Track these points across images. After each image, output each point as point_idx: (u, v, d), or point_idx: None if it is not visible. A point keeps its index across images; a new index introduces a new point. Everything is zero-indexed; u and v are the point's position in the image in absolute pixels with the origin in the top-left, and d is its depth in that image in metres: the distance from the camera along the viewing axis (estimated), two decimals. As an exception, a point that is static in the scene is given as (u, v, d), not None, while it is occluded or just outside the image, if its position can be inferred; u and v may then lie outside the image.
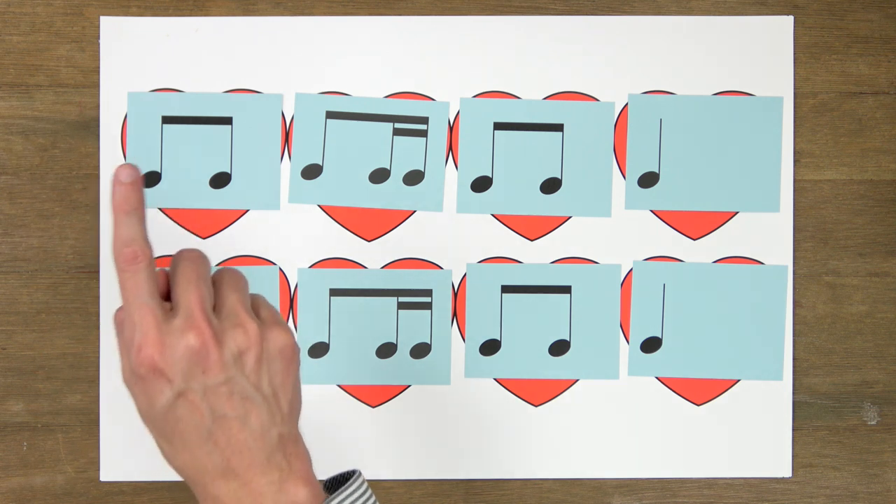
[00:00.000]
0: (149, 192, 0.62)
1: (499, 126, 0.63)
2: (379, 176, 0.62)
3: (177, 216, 0.62)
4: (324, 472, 0.63)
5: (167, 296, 0.47)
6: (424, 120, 0.62)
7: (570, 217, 0.63)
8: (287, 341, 0.47)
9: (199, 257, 0.47)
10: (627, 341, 0.63)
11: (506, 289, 0.63)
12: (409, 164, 0.62)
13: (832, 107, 0.63)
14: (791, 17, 0.63)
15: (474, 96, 0.63)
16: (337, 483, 0.49)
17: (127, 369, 0.46)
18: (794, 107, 0.63)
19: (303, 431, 0.63)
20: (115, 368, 0.62)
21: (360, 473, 0.48)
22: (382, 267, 0.62)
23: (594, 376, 0.63)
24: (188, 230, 0.62)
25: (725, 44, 0.63)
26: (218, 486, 0.45)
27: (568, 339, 0.63)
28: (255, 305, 0.47)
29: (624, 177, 0.63)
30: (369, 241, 0.62)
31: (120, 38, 0.62)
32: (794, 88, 0.63)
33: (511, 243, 0.63)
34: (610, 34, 0.63)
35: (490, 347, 0.63)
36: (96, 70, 0.62)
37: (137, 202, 0.47)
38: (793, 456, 0.63)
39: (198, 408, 0.45)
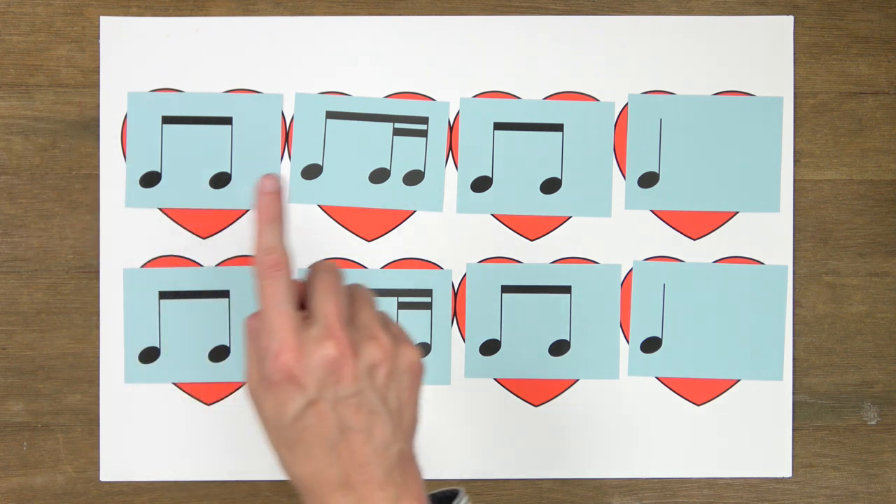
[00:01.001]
0: (149, 192, 0.62)
1: (499, 126, 0.63)
2: (379, 176, 0.62)
3: (177, 216, 0.62)
4: (324, 472, 0.63)
5: (302, 305, 0.46)
6: (424, 120, 0.62)
7: (570, 217, 0.63)
8: (416, 358, 0.47)
9: (335, 269, 0.47)
10: (627, 341, 0.63)
11: (506, 289, 0.63)
12: (409, 164, 0.62)
13: (832, 107, 0.63)
14: (791, 17, 0.63)
15: (474, 96, 0.63)
16: (439, 500, 0.50)
17: (255, 377, 0.46)
18: (794, 107, 0.63)
19: (303, 431, 0.63)
20: (115, 368, 0.62)
21: (464, 493, 0.49)
22: (382, 267, 0.63)
23: (594, 376, 0.63)
24: (188, 230, 0.62)
25: (725, 44, 0.63)
26: (335, 499, 0.45)
27: (568, 339, 0.63)
28: (384, 321, 0.47)
29: (624, 177, 0.63)
30: (369, 241, 0.63)
31: (120, 38, 0.62)
32: (794, 88, 0.63)
33: (511, 243, 0.63)
34: (610, 34, 0.63)
35: (490, 347, 0.63)
36: (96, 70, 0.62)
37: (279, 211, 0.46)
38: (793, 456, 0.63)
39: (326, 418, 0.45)
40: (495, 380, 0.63)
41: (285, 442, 0.46)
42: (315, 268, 0.47)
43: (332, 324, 0.45)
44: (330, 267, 0.47)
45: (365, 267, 0.62)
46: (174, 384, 0.62)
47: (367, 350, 0.45)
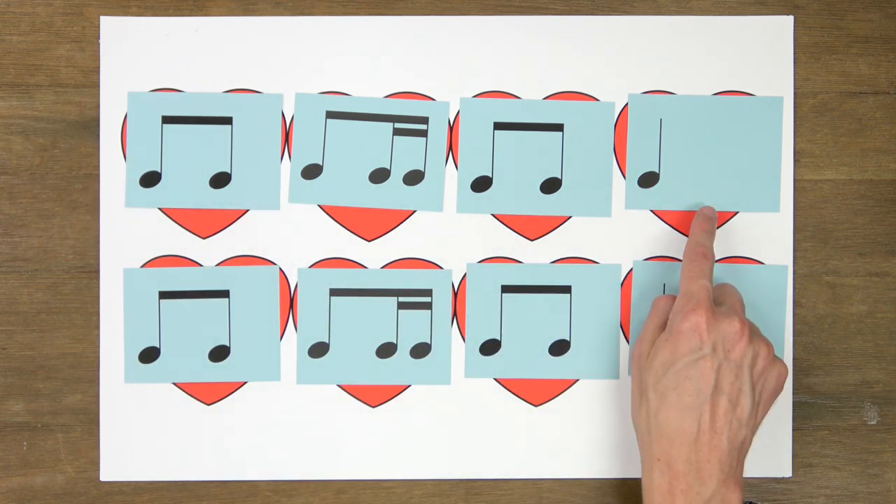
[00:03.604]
0: (149, 192, 0.62)
1: (499, 126, 0.63)
2: (379, 176, 0.62)
3: (177, 216, 0.62)
4: (320, 471, 0.63)
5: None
6: (424, 120, 0.62)
7: (570, 217, 0.63)
8: (785, 373, 0.56)
9: (739, 292, 0.59)
10: (627, 341, 0.63)
11: (506, 289, 0.63)
12: (409, 164, 0.62)
13: (832, 107, 0.63)
14: (791, 17, 0.63)
15: (474, 96, 0.63)
16: None
17: (648, 338, 0.57)
18: (794, 107, 0.63)
19: (302, 431, 0.63)
20: (115, 368, 0.62)
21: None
22: (382, 267, 0.63)
23: (594, 376, 0.63)
24: (188, 230, 0.62)
25: (725, 44, 0.63)
26: (680, 452, 0.53)
27: (568, 339, 0.63)
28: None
29: (624, 177, 0.63)
30: (369, 241, 0.63)
31: (120, 38, 0.62)
32: (794, 88, 0.63)
33: (511, 243, 0.63)
34: (610, 34, 0.63)
35: (490, 347, 0.63)
36: (96, 70, 0.62)
37: (712, 229, 0.60)
38: (793, 456, 0.63)
39: (708, 375, 0.53)
40: (495, 380, 0.63)
41: (662, 388, 0.54)
42: (722, 284, 0.60)
43: (738, 310, 0.56)
44: (735, 288, 0.59)
45: (365, 267, 0.62)
46: (174, 384, 0.62)
47: (757, 343, 0.55)
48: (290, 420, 0.62)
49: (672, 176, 0.63)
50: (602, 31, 0.62)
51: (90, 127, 0.62)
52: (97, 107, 0.62)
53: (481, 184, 0.63)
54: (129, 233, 0.62)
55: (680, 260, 0.63)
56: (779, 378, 0.56)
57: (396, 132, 0.62)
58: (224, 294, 0.62)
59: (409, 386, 0.63)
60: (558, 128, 0.63)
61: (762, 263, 0.63)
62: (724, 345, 0.54)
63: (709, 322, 0.54)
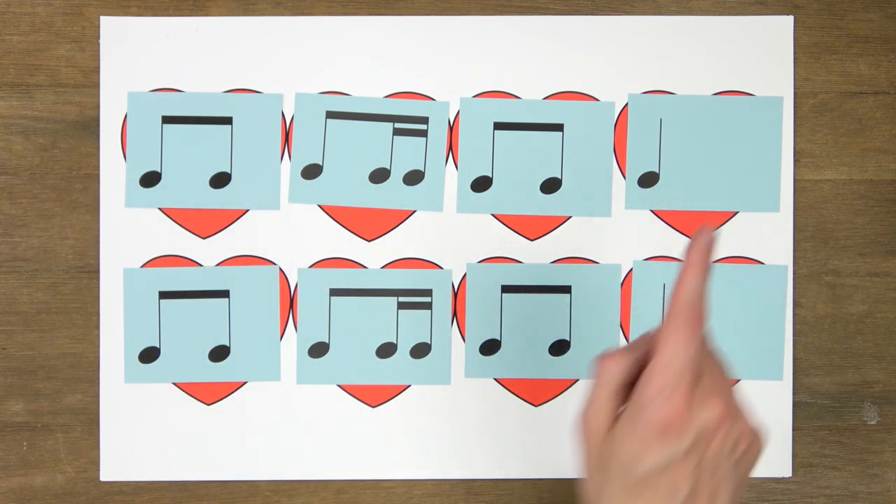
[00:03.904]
0: (149, 192, 0.62)
1: (499, 126, 0.63)
2: (379, 176, 0.63)
3: (177, 216, 0.62)
4: (320, 471, 0.63)
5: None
6: (424, 120, 0.62)
7: (570, 217, 0.63)
8: (762, 446, 0.47)
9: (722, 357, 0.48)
10: (627, 341, 0.63)
11: (506, 289, 0.63)
12: (409, 164, 0.63)
13: (832, 107, 0.63)
14: (791, 17, 0.63)
15: (474, 96, 0.63)
16: None
17: (602, 411, 0.46)
18: (794, 107, 0.63)
19: (302, 431, 0.63)
20: (115, 368, 0.62)
21: None
22: (382, 267, 0.63)
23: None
24: (188, 230, 0.62)
25: (725, 44, 0.63)
26: None
27: (568, 339, 0.63)
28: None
29: (624, 177, 0.63)
30: (369, 241, 0.63)
31: (120, 38, 0.62)
32: (794, 88, 0.63)
33: (511, 243, 0.63)
34: (610, 34, 0.63)
35: (490, 347, 0.63)
36: (96, 70, 0.62)
37: (710, 267, 0.45)
38: (793, 456, 0.63)
39: (684, 480, 0.44)
40: (495, 380, 0.63)
41: (629, 483, 0.45)
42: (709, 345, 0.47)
43: (720, 385, 0.45)
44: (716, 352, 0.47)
45: (365, 267, 0.62)
46: (174, 384, 0.62)
47: (740, 423, 0.45)
48: (290, 420, 0.62)
49: (672, 176, 0.63)
50: (602, 31, 0.63)
51: (90, 127, 0.62)
52: (97, 107, 0.62)
53: (481, 184, 0.63)
54: (129, 233, 0.62)
55: (680, 260, 0.63)
56: (759, 452, 0.47)
57: (396, 132, 0.62)
58: (224, 294, 0.62)
59: (409, 386, 0.63)
60: (558, 128, 0.63)
61: (762, 263, 0.63)
62: (705, 436, 0.44)
63: (686, 414, 0.44)
